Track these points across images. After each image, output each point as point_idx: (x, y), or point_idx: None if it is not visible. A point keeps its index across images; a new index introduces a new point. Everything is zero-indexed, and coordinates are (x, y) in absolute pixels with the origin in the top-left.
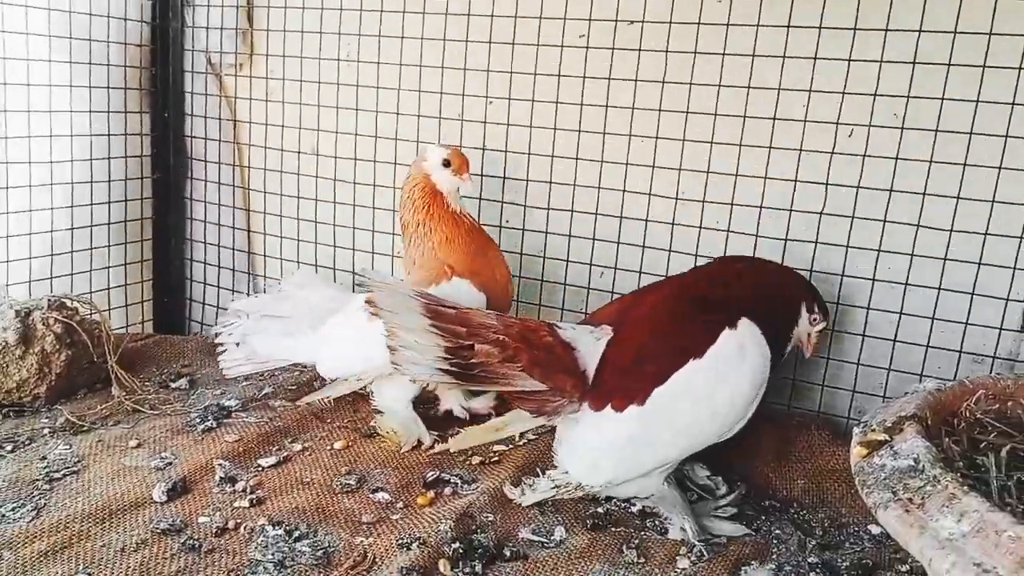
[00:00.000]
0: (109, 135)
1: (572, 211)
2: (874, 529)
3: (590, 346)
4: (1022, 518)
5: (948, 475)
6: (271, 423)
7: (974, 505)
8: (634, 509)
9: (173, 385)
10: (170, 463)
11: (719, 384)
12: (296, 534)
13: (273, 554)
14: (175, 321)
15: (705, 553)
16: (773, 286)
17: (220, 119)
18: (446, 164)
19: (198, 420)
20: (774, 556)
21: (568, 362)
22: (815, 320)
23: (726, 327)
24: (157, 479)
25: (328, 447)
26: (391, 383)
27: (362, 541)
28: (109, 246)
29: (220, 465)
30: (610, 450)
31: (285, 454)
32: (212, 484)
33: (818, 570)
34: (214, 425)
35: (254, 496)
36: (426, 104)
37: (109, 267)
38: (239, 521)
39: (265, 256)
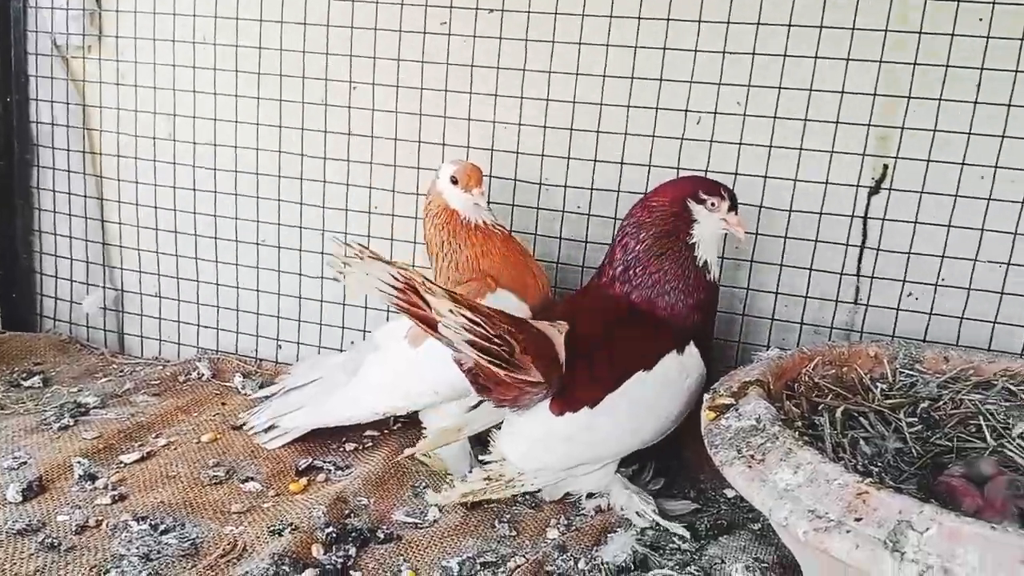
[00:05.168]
0: None
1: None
2: (729, 492)
3: (559, 339)
4: (851, 469)
5: (786, 432)
6: (133, 419)
7: (807, 458)
8: (589, 505)
9: (25, 384)
10: (24, 463)
11: (660, 396)
12: (162, 528)
13: (138, 548)
14: (25, 317)
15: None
16: (655, 220)
17: (68, 104)
18: (453, 181)
19: (53, 418)
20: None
21: (554, 354)
22: (712, 205)
23: (673, 351)
24: (11, 479)
25: (195, 440)
26: (437, 413)
27: (232, 530)
28: None
29: (79, 463)
30: (557, 441)
31: (148, 449)
32: (71, 482)
33: (681, 528)
34: (71, 423)
35: (116, 493)
36: (288, 89)
37: None
38: (101, 518)
39: (121, 247)
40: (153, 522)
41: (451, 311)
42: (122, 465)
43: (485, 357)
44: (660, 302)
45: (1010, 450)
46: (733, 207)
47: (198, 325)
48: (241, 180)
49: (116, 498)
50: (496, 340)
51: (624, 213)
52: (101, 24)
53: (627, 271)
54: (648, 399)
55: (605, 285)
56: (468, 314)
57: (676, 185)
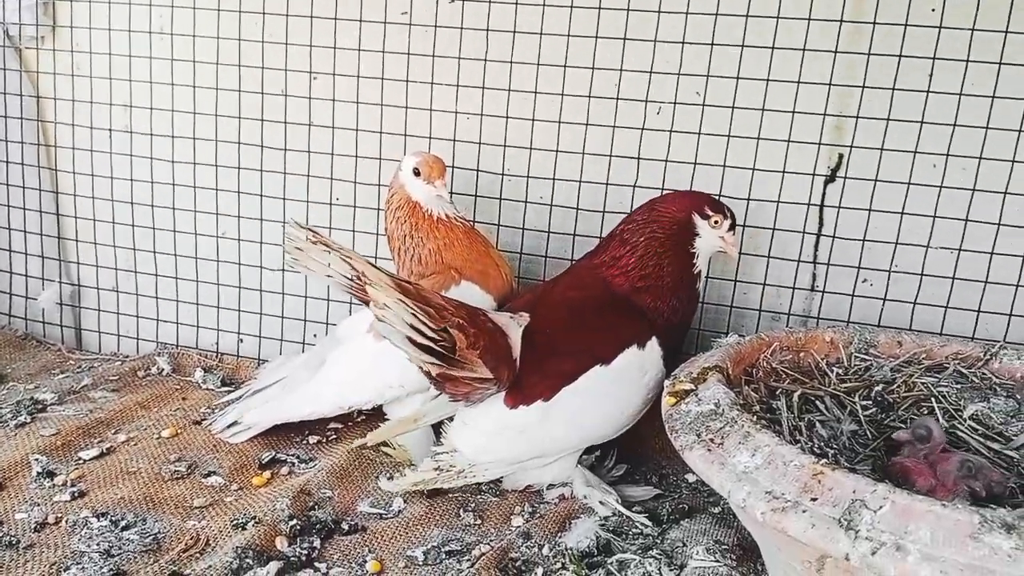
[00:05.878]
0: None
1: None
2: (691, 477)
3: (515, 333)
4: (807, 451)
5: (744, 416)
6: (91, 415)
7: (765, 440)
8: (550, 495)
9: None
10: None
11: (617, 392)
12: (123, 523)
13: (99, 544)
14: None
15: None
16: (660, 224)
17: (21, 95)
18: (416, 173)
19: (10, 416)
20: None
21: (507, 350)
22: (716, 223)
23: (634, 345)
24: None
25: (155, 436)
26: (401, 405)
27: (194, 524)
28: None
29: (36, 460)
30: (510, 434)
31: (108, 445)
32: (28, 480)
33: (643, 517)
34: (28, 420)
35: (75, 489)
36: (247, 79)
37: None
38: (60, 515)
39: (77, 241)
40: (114, 518)
41: (387, 304)
42: (81, 462)
43: (420, 355)
44: (647, 295)
45: (961, 431)
46: (732, 227)
47: (157, 320)
48: (200, 172)
49: (75, 495)
50: (435, 336)
51: (585, 203)
52: (55, 14)
53: (622, 260)
54: (605, 393)
55: (599, 265)
56: (411, 305)
57: (686, 196)
